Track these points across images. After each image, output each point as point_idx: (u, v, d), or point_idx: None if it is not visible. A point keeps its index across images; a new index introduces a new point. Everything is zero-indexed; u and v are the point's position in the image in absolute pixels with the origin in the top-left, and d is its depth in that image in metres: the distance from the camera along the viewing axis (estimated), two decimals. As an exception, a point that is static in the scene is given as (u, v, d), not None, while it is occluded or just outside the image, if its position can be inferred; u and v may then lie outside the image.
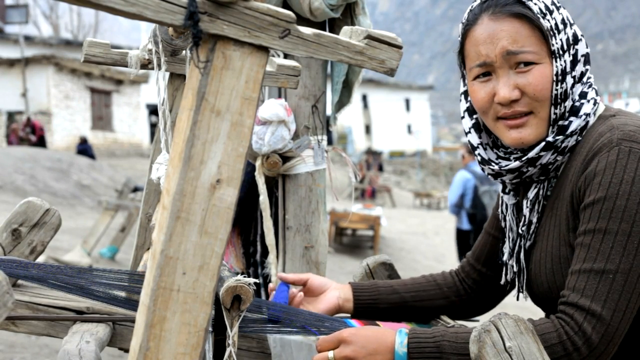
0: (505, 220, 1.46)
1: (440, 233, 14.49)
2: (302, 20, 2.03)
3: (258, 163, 2.11)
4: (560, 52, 1.26)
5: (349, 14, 2.13)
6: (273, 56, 1.84)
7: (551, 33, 1.26)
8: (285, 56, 1.96)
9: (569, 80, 1.27)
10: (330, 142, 2.29)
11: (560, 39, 1.27)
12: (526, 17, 1.25)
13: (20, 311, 1.31)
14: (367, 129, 40.24)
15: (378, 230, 11.17)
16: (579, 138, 1.27)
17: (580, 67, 1.30)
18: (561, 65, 1.26)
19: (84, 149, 19.26)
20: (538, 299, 1.40)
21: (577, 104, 1.27)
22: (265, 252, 2.36)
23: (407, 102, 43.03)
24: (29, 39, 25.97)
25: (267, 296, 2.43)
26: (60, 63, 23.30)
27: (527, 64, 1.26)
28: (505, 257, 1.46)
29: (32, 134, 19.75)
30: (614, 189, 1.15)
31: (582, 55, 1.30)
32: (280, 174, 2.14)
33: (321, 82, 2.16)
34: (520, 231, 1.38)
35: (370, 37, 1.01)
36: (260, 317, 1.39)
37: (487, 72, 1.30)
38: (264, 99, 2.15)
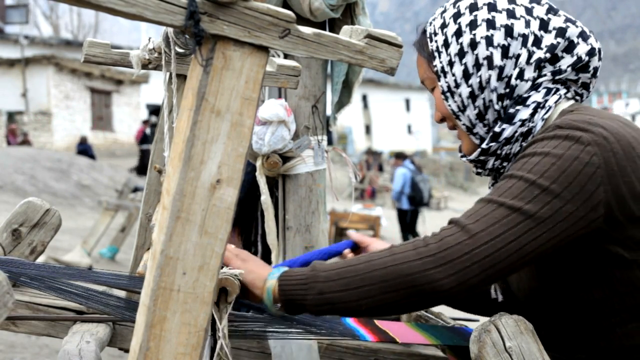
0: None
1: (440, 233, 14.44)
2: (302, 20, 2.03)
3: (259, 163, 2.10)
4: (446, 70, 1.28)
5: (349, 14, 2.13)
6: (273, 56, 1.84)
7: (433, 55, 1.31)
8: (285, 56, 1.96)
9: (464, 92, 1.26)
10: (330, 142, 2.29)
11: (449, 54, 1.28)
12: (418, 49, 1.38)
13: (20, 311, 1.32)
14: (367, 129, 40.21)
15: (378, 230, 11.16)
16: (524, 144, 1.25)
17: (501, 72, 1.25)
18: (446, 83, 1.29)
19: (84, 149, 19.27)
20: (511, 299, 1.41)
21: (512, 110, 1.24)
22: (265, 252, 2.35)
23: (407, 102, 42.99)
24: (29, 39, 25.93)
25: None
26: (61, 63, 23.28)
27: (432, 89, 1.36)
28: None
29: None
30: (534, 148, 1.16)
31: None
32: (280, 174, 2.14)
33: (321, 82, 2.16)
34: None
35: (370, 36, 1.01)
36: (260, 317, 1.38)
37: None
38: (264, 99, 2.14)
